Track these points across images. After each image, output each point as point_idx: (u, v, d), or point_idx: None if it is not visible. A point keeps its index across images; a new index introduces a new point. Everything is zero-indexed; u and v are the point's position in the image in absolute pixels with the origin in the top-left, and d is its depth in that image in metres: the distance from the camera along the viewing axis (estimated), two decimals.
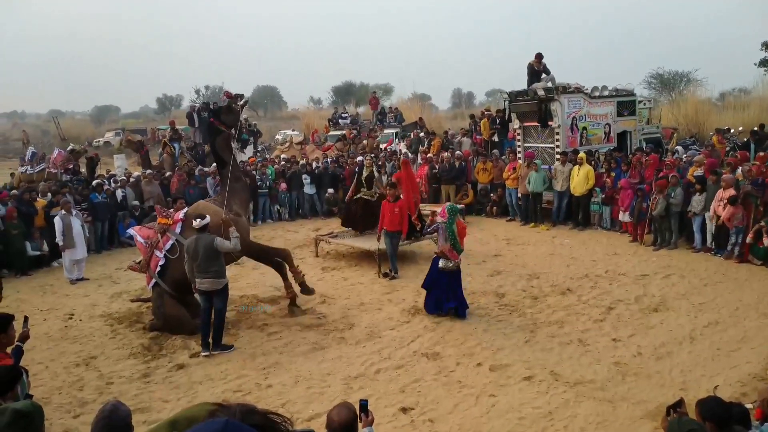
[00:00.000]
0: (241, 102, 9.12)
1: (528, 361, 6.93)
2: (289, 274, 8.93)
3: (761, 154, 12.37)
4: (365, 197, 12.13)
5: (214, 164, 16.92)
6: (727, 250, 10.84)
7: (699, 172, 11.97)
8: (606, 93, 15.45)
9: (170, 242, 8.25)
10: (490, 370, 6.75)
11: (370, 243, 11.37)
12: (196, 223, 7.54)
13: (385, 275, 10.66)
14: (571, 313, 8.48)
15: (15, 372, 3.79)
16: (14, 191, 13.53)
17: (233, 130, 9.18)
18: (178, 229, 8.35)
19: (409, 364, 7.00)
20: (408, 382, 6.53)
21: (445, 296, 8.43)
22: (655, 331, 7.69)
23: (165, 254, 8.21)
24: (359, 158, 17.56)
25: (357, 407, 3.42)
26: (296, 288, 8.95)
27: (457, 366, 6.91)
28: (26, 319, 5.37)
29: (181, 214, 8.53)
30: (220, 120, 8.90)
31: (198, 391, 6.54)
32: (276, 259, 8.95)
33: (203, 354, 7.50)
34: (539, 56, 15.17)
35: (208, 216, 7.71)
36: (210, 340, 7.59)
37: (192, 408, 1.79)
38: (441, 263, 8.39)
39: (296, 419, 5.78)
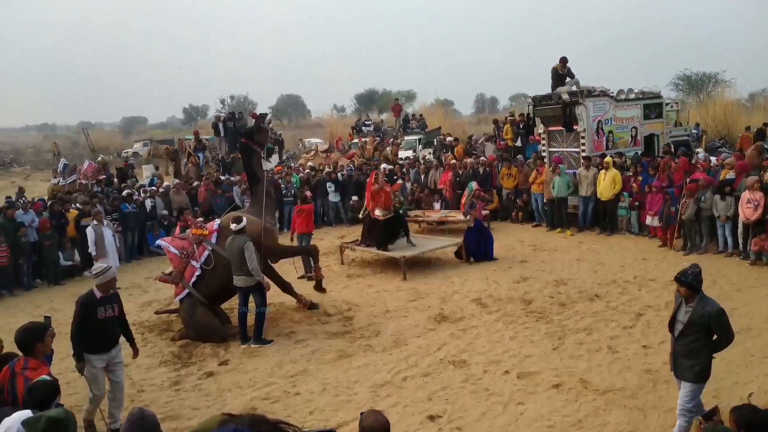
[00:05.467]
0: (267, 120, 9.59)
1: (556, 369, 6.86)
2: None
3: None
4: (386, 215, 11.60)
5: (238, 175, 17.57)
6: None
7: (731, 174, 11.71)
8: (632, 96, 15.21)
9: (206, 253, 8.42)
10: (517, 378, 6.70)
11: (395, 250, 11.46)
12: (233, 226, 7.98)
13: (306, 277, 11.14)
14: (600, 319, 8.37)
15: (56, 387, 3.95)
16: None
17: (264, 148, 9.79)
18: (213, 239, 8.51)
19: (435, 372, 6.98)
20: (435, 390, 6.51)
21: (480, 245, 11.94)
22: None
23: (201, 266, 8.38)
24: (383, 165, 17.63)
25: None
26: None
27: (484, 373, 6.87)
28: (48, 318, 5.44)
29: (215, 225, 8.72)
30: (253, 140, 9.32)
31: (227, 399, 6.61)
32: (285, 282, 9.44)
33: (242, 346, 8.06)
34: (564, 60, 15.05)
35: (245, 219, 8.13)
36: (250, 334, 8.19)
37: (206, 421, 1.82)
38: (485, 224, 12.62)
39: (324, 427, 5.80)
